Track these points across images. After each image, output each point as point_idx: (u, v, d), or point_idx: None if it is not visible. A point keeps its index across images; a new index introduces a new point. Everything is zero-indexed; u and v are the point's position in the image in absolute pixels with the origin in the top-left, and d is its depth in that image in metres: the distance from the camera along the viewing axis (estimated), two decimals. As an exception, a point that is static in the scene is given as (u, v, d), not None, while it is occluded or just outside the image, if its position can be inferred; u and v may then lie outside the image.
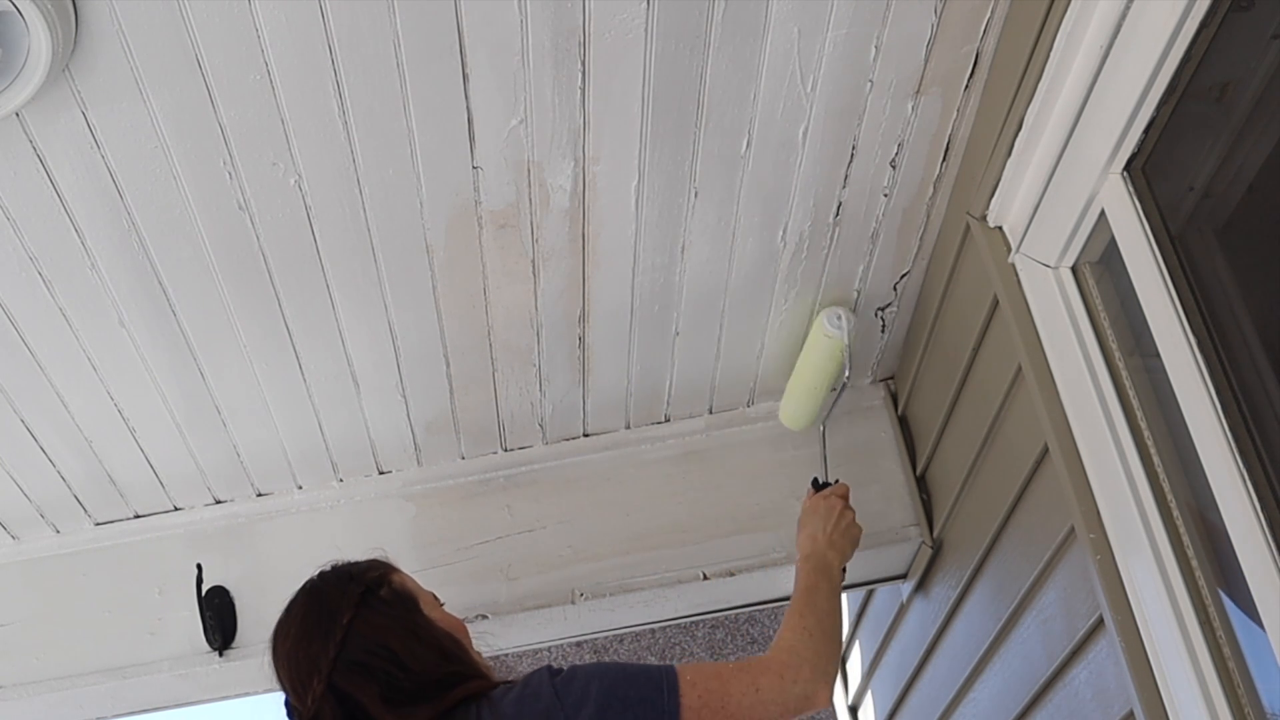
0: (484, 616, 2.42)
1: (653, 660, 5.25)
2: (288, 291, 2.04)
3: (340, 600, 1.68)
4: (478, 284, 2.10)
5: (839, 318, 2.23)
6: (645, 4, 1.71)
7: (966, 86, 1.92)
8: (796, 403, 2.36)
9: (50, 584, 2.49)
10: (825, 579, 1.95)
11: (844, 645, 1.82)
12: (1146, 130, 1.62)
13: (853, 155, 2.00)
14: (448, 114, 1.80)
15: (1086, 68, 1.65)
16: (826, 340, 2.23)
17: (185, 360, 2.13)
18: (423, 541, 2.48)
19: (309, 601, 1.72)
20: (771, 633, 5.51)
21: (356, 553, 1.82)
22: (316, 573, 1.77)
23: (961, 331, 2.16)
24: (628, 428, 2.53)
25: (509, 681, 1.68)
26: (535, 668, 1.66)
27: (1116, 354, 1.79)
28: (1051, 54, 1.69)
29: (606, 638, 5.20)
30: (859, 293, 2.30)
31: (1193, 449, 1.54)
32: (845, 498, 2.13)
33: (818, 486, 2.19)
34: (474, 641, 1.80)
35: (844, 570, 2.04)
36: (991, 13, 1.81)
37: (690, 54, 1.78)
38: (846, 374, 2.22)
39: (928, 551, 2.47)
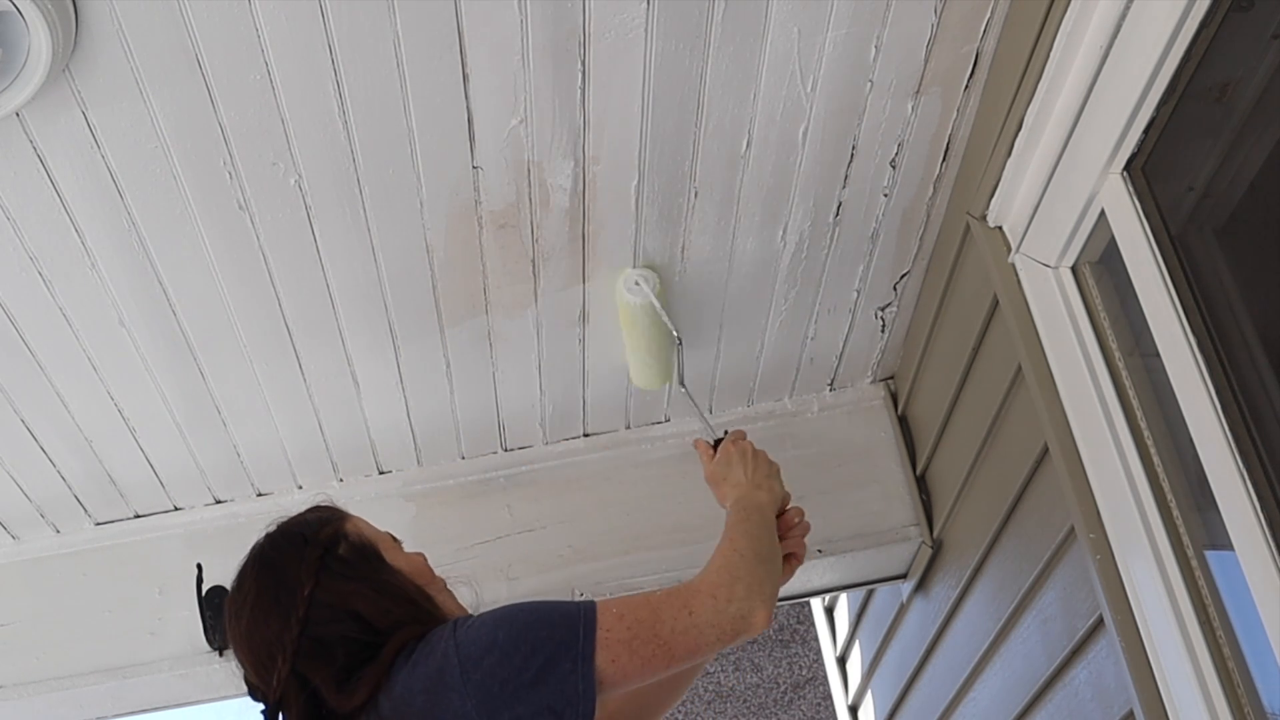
0: (484, 616, 2.41)
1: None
2: (288, 291, 2.04)
3: (298, 569, 1.52)
4: (478, 284, 2.10)
5: (636, 283, 2.13)
6: (645, 4, 1.71)
7: (966, 86, 1.92)
8: (639, 365, 2.26)
9: (50, 584, 2.49)
10: (756, 512, 1.77)
11: (777, 585, 1.71)
12: (1146, 130, 1.62)
13: (853, 155, 2.00)
14: (448, 114, 1.80)
15: (1086, 68, 1.65)
16: (629, 306, 2.15)
17: (185, 360, 2.13)
18: (423, 541, 2.43)
19: (261, 574, 1.55)
20: (773, 632, 5.52)
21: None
22: (264, 535, 1.59)
23: (961, 331, 2.16)
24: (628, 428, 2.53)
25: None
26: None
27: (1116, 354, 1.79)
28: (1051, 54, 1.69)
29: (606, 638, 5.18)
30: (858, 292, 2.30)
31: (1193, 449, 1.54)
32: (743, 439, 1.95)
33: (716, 445, 1.99)
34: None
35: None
36: (991, 13, 1.81)
37: (690, 54, 1.78)
38: (674, 332, 2.14)
39: (928, 551, 2.47)
